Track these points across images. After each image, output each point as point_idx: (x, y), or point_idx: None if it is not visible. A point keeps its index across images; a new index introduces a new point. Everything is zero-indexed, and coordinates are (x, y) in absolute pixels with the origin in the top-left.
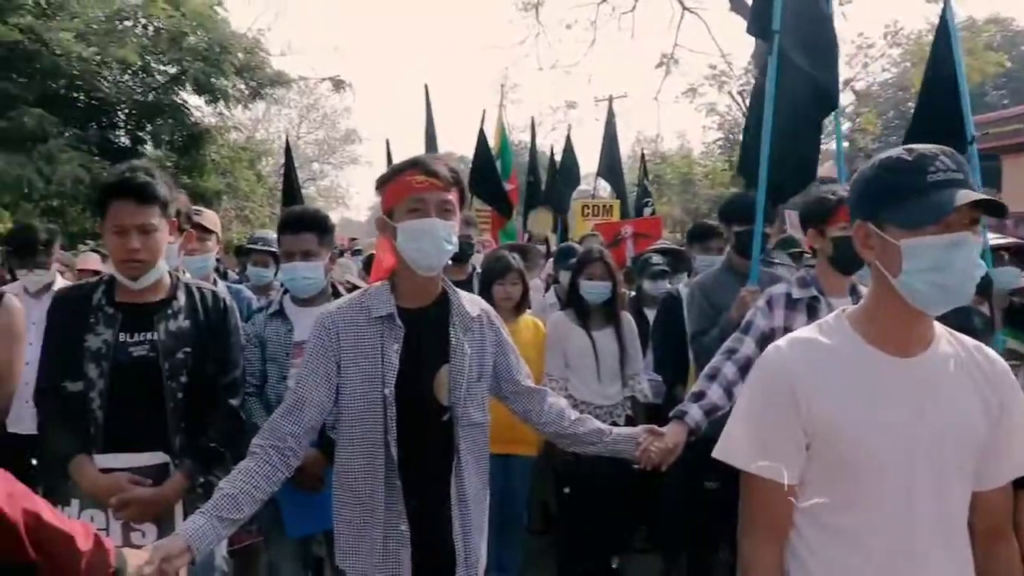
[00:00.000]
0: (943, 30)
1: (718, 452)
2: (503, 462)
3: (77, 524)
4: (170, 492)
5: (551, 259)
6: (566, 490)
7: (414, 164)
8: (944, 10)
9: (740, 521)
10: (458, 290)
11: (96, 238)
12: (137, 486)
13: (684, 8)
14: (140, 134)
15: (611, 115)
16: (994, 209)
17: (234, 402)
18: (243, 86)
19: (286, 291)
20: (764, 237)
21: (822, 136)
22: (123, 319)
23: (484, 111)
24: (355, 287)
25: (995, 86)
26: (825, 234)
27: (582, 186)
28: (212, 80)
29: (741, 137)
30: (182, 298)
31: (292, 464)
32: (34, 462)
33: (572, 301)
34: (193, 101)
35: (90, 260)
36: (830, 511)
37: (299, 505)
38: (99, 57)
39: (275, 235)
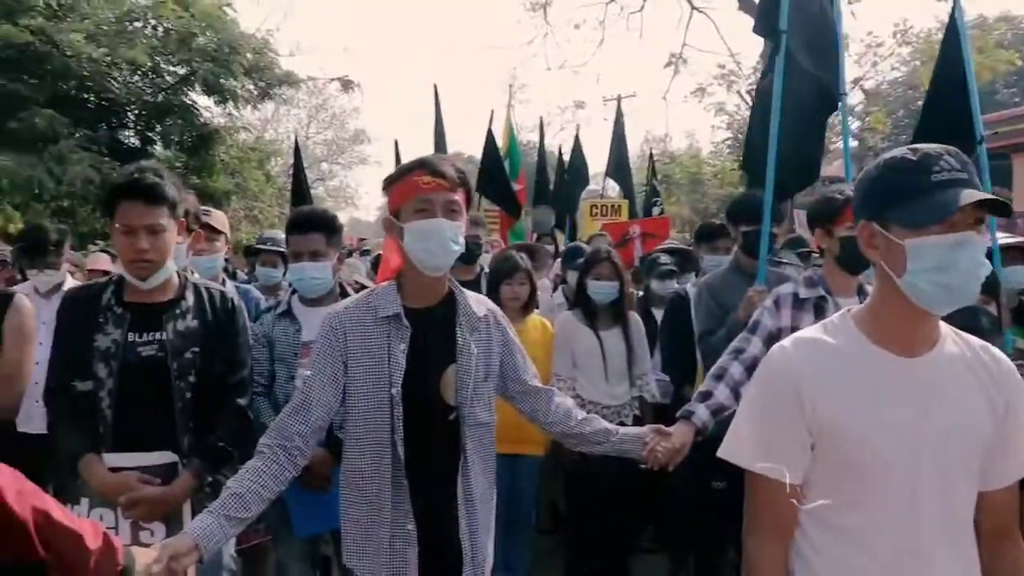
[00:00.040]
0: (952, 28)
1: (723, 452)
2: (510, 462)
3: (86, 522)
4: (178, 491)
5: (559, 259)
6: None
7: (421, 165)
8: (954, 8)
9: (745, 520)
10: (464, 290)
11: (106, 238)
12: (146, 485)
13: (693, 7)
14: (150, 135)
15: (619, 115)
16: (999, 208)
17: (242, 402)
18: (252, 86)
19: (294, 291)
20: (771, 237)
21: (831, 135)
22: (132, 319)
23: (492, 111)
24: (363, 287)
25: (1006, 84)
26: (832, 234)
27: (591, 186)
28: (221, 81)
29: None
30: (190, 298)
31: (299, 463)
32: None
33: (580, 301)
34: (202, 101)
35: (100, 260)
36: (835, 511)
37: (307, 504)
38: (109, 58)
39: (284, 235)
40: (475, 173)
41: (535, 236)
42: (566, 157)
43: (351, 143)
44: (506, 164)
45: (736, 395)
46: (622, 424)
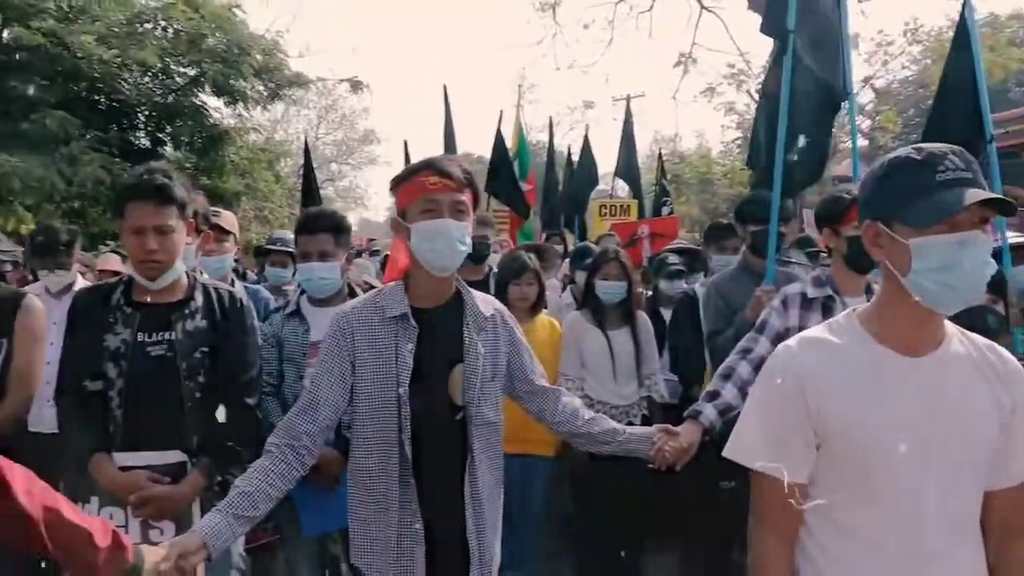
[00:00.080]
0: (962, 26)
1: (728, 451)
2: (520, 461)
3: (96, 521)
4: (188, 490)
5: (568, 259)
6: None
7: (428, 165)
8: (964, 6)
9: (751, 519)
10: (472, 290)
11: (117, 239)
12: (155, 484)
13: (702, 7)
14: (160, 136)
15: (628, 115)
16: (1003, 208)
17: (251, 401)
18: (262, 87)
19: (303, 291)
20: (780, 236)
21: (841, 134)
22: (141, 319)
23: (501, 111)
24: (372, 287)
25: (1018, 83)
26: (840, 233)
27: (600, 186)
28: (231, 82)
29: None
30: (199, 298)
31: (307, 463)
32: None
33: (588, 301)
34: (212, 103)
35: (110, 261)
36: (840, 510)
37: (315, 504)
38: (119, 60)
39: (293, 236)
40: (484, 173)
41: (544, 236)
42: (575, 157)
43: (361, 144)
44: (515, 164)
45: (743, 395)
46: (630, 424)
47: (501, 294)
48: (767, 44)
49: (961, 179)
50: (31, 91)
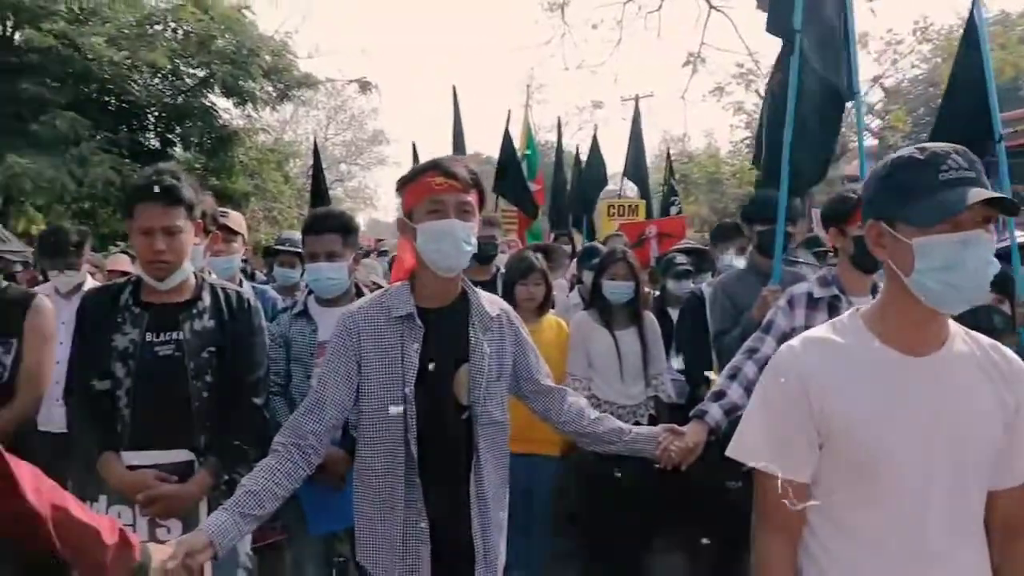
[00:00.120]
0: (971, 25)
1: (731, 450)
2: (526, 461)
3: (104, 519)
4: (195, 489)
5: (575, 259)
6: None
7: (434, 166)
8: (973, 5)
9: (754, 519)
10: (477, 290)
11: (126, 239)
12: (163, 483)
13: (711, 6)
14: (170, 136)
15: (637, 115)
16: (1006, 207)
17: (258, 401)
18: (271, 88)
19: (311, 291)
20: (787, 236)
21: (850, 133)
22: (149, 319)
23: (509, 112)
24: (380, 287)
25: None
26: (846, 233)
27: (609, 186)
28: (240, 83)
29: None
30: (207, 298)
31: (313, 462)
32: None
33: (595, 301)
34: (221, 103)
35: (120, 261)
36: (844, 509)
37: (322, 503)
38: (130, 61)
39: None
40: (493, 174)
41: (552, 236)
42: (583, 157)
43: (370, 144)
44: (524, 164)
45: (749, 394)
46: (637, 424)
47: (508, 294)
48: (776, 44)
49: (964, 178)
50: (42, 92)
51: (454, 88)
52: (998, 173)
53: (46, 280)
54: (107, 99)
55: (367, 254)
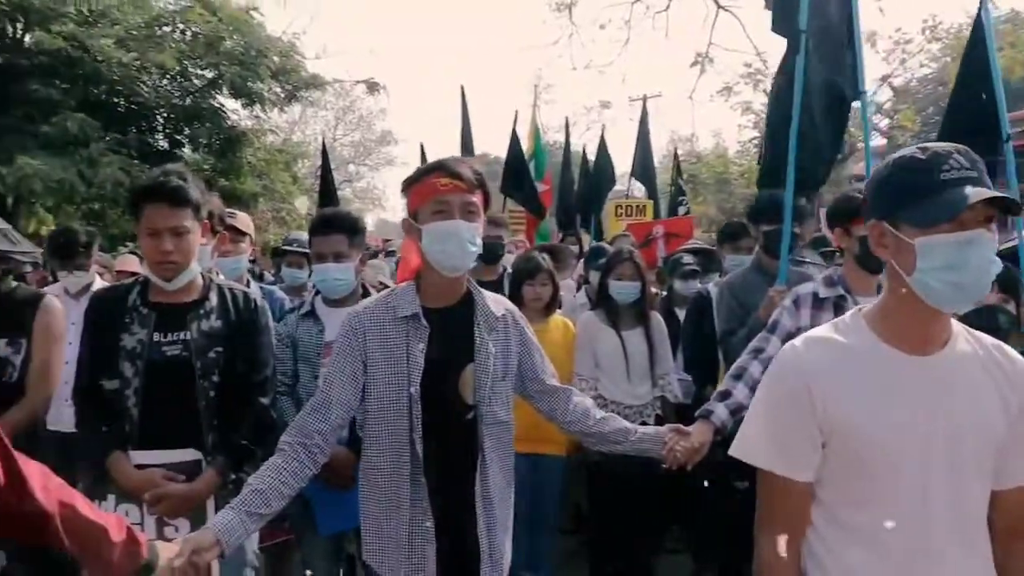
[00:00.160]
0: (979, 24)
1: (735, 450)
2: (532, 461)
3: (111, 517)
4: (202, 488)
5: (582, 259)
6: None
7: (439, 167)
8: (981, 4)
9: (757, 518)
10: (483, 290)
11: (135, 240)
12: (171, 482)
13: (719, 6)
14: (178, 137)
15: (644, 115)
16: (1008, 207)
17: (265, 400)
18: (279, 89)
19: (318, 292)
20: (794, 236)
21: (859, 133)
22: (157, 319)
23: (516, 112)
24: (387, 288)
25: None
26: (851, 233)
27: (617, 186)
28: (248, 84)
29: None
30: (214, 299)
31: (319, 461)
32: None
33: (601, 301)
34: (230, 104)
35: (129, 262)
36: (847, 509)
37: (330, 503)
38: (138, 62)
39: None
40: (501, 174)
41: (560, 237)
42: (591, 157)
43: (378, 145)
44: (532, 165)
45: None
46: (644, 424)
47: (515, 295)
48: (784, 44)
49: (966, 178)
50: (52, 94)
51: (462, 88)
52: (1006, 172)
53: (56, 281)
54: (116, 100)
55: (375, 255)
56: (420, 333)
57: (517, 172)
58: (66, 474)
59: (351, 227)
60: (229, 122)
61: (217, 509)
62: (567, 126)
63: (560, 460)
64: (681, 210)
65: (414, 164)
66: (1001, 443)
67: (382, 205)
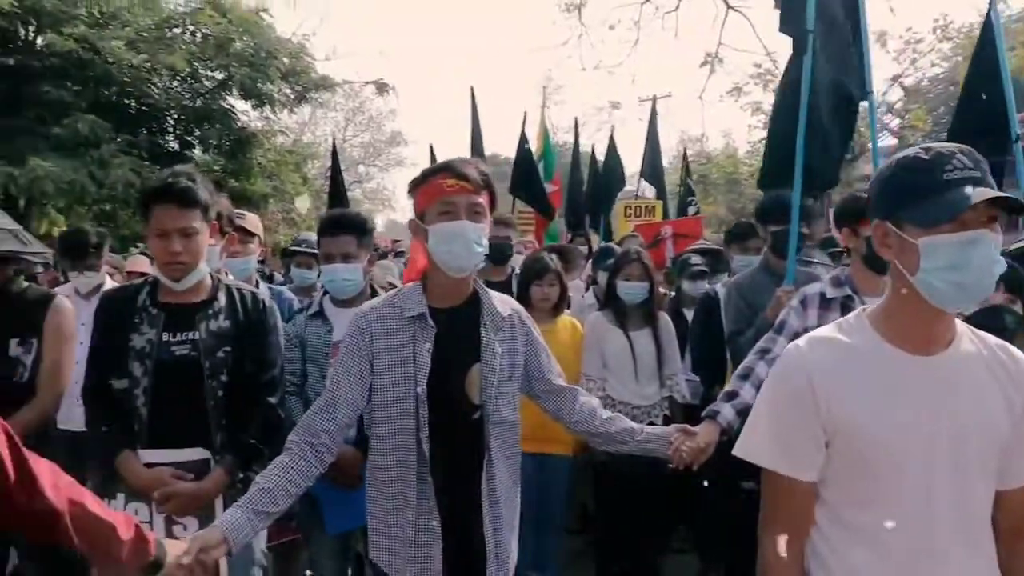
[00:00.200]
0: (988, 24)
1: (738, 449)
2: (538, 461)
3: (120, 515)
4: (211, 487)
5: (591, 260)
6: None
7: (445, 167)
8: (990, 4)
9: (761, 518)
10: (489, 290)
11: (146, 241)
12: (179, 481)
13: (728, 6)
14: (188, 139)
15: (654, 115)
16: (1012, 206)
17: (273, 400)
18: (289, 90)
19: (326, 292)
20: (802, 237)
21: (868, 133)
22: (166, 319)
23: (525, 113)
24: (395, 288)
25: None
26: (858, 233)
27: (626, 187)
28: (258, 85)
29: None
30: (223, 299)
31: (326, 460)
32: None
33: (609, 301)
34: (240, 106)
35: (139, 262)
36: (850, 509)
37: (338, 503)
38: (149, 64)
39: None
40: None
41: (570, 237)
42: (600, 158)
43: (388, 145)
44: (541, 166)
45: None
46: (651, 424)
47: (523, 295)
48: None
49: (969, 178)
50: (63, 96)
51: (472, 89)
52: (1015, 172)
53: (67, 281)
54: (127, 102)
55: (384, 255)
56: (427, 333)
57: (526, 173)
58: (76, 473)
59: (359, 228)
60: (239, 123)
61: (226, 507)
62: (576, 127)
63: (566, 460)
64: (691, 210)
65: (424, 165)
66: (1005, 443)
67: (392, 206)
